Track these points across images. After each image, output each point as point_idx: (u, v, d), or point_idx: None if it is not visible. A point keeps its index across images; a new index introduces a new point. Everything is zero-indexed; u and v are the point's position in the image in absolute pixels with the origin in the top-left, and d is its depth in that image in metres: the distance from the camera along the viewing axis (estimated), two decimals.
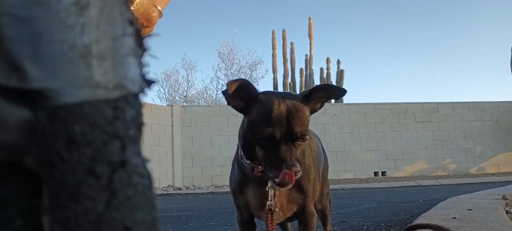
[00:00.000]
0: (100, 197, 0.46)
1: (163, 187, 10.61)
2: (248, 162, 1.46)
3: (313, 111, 1.45)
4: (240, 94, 1.39)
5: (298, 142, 1.36)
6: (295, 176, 1.29)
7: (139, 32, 0.56)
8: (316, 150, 1.72)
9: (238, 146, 1.55)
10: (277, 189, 1.43)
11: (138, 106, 0.52)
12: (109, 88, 0.48)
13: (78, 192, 0.46)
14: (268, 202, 1.43)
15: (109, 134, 0.48)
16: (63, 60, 0.45)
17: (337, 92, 1.55)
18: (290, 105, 1.36)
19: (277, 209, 1.45)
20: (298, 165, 1.30)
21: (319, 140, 1.90)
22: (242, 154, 1.48)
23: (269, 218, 1.45)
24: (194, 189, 10.48)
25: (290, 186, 1.32)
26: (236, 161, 1.57)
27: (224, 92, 1.41)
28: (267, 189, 1.43)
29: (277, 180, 1.30)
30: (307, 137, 1.39)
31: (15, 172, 0.49)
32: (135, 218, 0.48)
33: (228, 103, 1.44)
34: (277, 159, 1.30)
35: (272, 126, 1.32)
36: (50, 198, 0.46)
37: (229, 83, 1.39)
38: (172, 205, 6.40)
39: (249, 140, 1.40)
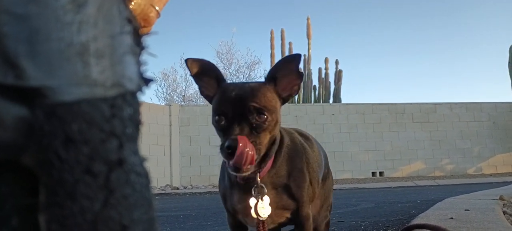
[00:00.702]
0: (97, 195, 0.46)
1: (161, 187, 10.60)
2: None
3: (288, 95, 1.41)
4: (211, 82, 1.41)
5: (256, 120, 1.28)
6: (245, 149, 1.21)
7: (137, 31, 0.56)
8: (318, 158, 1.64)
9: None
10: (260, 197, 1.36)
11: (136, 104, 0.52)
12: (106, 87, 0.48)
13: (75, 191, 0.45)
14: (252, 211, 1.37)
15: (106, 132, 0.47)
16: (61, 58, 0.45)
17: (295, 59, 1.43)
18: (245, 86, 1.35)
19: (262, 217, 1.37)
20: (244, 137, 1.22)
21: (324, 151, 1.80)
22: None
23: (261, 227, 1.39)
24: (192, 188, 10.47)
25: (247, 170, 1.24)
26: (223, 165, 1.52)
27: (195, 81, 1.43)
28: (250, 198, 1.37)
29: (231, 166, 1.25)
30: (266, 116, 1.29)
31: (12, 170, 0.48)
32: (132, 217, 0.48)
33: (201, 93, 1.44)
34: (225, 141, 1.25)
35: (224, 105, 1.31)
36: (47, 197, 0.46)
37: (190, 62, 1.39)
38: (170, 204, 6.40)
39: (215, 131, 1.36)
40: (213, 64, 1.44)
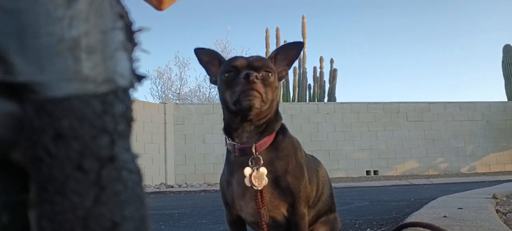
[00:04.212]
0: (88, 192, 0.46)
1: (155, 185, 10.57)
2: (230, 141, 1.48)
3: (280, 76, 1.56)
4: (216, 69, 1.55)
5: (262, 73, 1.41)
6: (256, 81, 1.34)
7: (129, 27, 0.55)
8: (324, 175, 1.70)
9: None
10: (256, 168, 1.40)
11: (128, 101, 0.52)
12: (98, 82, 0.47)
13: (66, 187, 0.45)
14: (246, 180, 1.40)
15: (97, 128, 0.47)
16: (51, 53, 0.45)
17: (296, 47, 1.60)
18: (250, 57, 1.50)
19: (256, 186, 1.39)
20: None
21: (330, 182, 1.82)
22: (226, 137, 1.51)
23: (259, 198, 1.41)
24: (186, 187, 10.45)
25: (256, 98, 1.35)
26: (226, 155, 1.56)
27: (204, 69, 1.59)
28: (246, 170, 1.41)
29: (244, 94, 1.35)
30: (271, 74, 1.44)
31: (1, 167, 0.48)
32: (123, 214, 0.48)
33: (211, 81, 1.59)
34: (238, 80, 1.38)
35: (233, 62, 1.45)
36: (37, 193, 0.46)
37: (198, 52, 1.57)
38: (165, 202, 6.38)
39: (221, 96, 1.47)
40: (217, 53, 1.60)
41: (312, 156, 1.72)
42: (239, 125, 1.45)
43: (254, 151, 1.43)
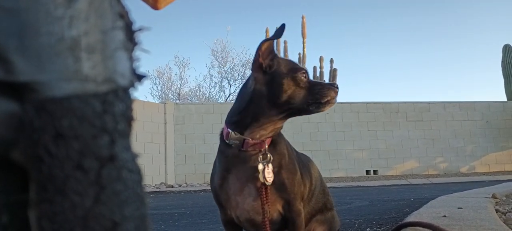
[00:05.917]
0: (88, 192, 0.46)
1: (155, 185, 10.57)
2: (237, 136, 1.45)
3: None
4: (270, 52, 1.52)
5: None
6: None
7: (130, 26, 0.55)
8: (316, 171, 1.72)
9: (221, 135, 1.52)
10: (266, 164, 1.41)
11: (128, 100, 0.52)
12: (98, 82, 0.47)
13: (66, 187, 0.45)
14: (259, 174, 1.41)
15: (97, 128, 0.47)
16: (51, 53, 0.45)
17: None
18: None
19: (268, 181, 1.40)
20: None
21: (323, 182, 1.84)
22: (229, 131, 1.46)
23: (263, 193, 1.41)
24: (186, 186, 10.45)
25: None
26: (219, 152, 1.53)
27: (258, 55, 1.51)
28: (257, 164, 1.42)
29: (333, 93, 1.50)
30: None
31: (1, 166, 0.48)
32: (123, 213, 0.48)
33: (257, 61, 1.50)
34: (322, 86, 1.51)
35: (301, 66, 1.53)
36: (37, 193, 0.46)
37: (262, 44, 1.53)
38: (165, 202, 6.38)
39: (279, 90, 1.45)
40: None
41: (302, 154, 1.74)
42: (267, 121, 1.44)
43: (266, 146, 1.44)
